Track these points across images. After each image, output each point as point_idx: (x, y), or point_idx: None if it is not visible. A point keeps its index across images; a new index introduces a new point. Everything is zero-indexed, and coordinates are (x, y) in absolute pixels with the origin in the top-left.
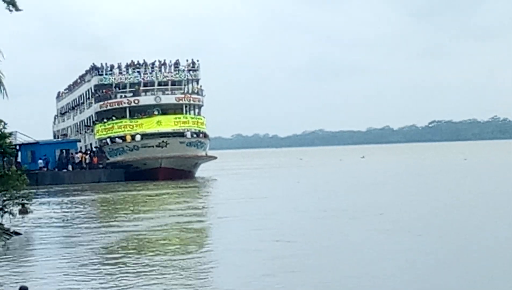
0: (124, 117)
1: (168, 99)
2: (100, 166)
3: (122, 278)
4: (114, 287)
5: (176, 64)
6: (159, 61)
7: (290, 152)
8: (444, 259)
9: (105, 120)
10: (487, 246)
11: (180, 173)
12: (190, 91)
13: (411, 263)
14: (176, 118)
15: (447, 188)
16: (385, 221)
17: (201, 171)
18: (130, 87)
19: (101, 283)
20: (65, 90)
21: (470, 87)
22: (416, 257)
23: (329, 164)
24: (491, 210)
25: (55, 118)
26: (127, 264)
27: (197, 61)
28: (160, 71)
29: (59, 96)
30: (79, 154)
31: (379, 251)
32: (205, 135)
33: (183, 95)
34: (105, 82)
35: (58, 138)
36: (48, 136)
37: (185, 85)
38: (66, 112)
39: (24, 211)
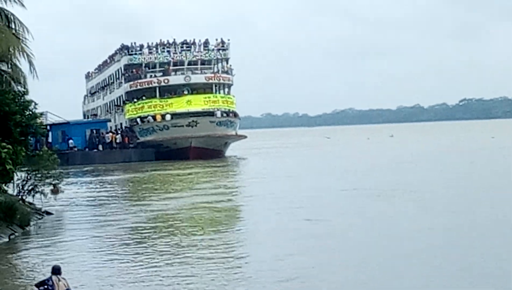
0: (154, 96)
1: (198, 78)
2: (131, 145)
3: (152, 257)
4: (144, 267)
5: (206, 43)
6: (189, 41)
7: (320, 131)
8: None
9: (135, 100)
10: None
11: (210, 152)
12: (219, 71)
13: (445, 241)
14: (206, 97)
15: (472, 167)
16: (415, 199)
17: (231, 150)
18: (159, 67)
19: (131, 263)
20: (94, 70)
21: (501, 66)
22: (450, 234)
23: (357, 143)
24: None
25: (84, 98)
26: (157, 244)
27: (227, 40)
28: (189, 50)
29: (88, 76)
30: (110, 134)
31: (410, 230)
32: (235, 114)
33: (212, 75)
34: (135, 62)
35: (88, 118)
36: (78, 116)
37: (214, 64)
38: (95, 92)
39: (55, 191)
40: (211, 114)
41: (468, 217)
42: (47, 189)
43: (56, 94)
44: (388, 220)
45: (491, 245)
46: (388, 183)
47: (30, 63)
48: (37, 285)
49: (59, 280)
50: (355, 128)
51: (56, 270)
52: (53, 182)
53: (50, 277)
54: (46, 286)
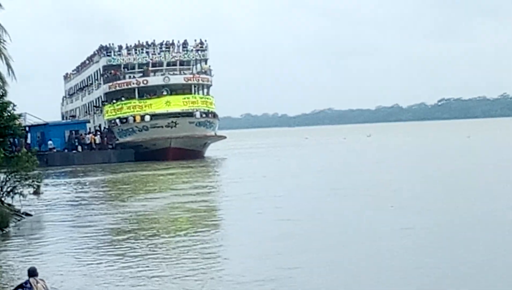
0: (133, 97)
1: (177, 79)
2: (110, 146)
3: (131, 259)
4: (124, 269)
5: (184, 44)
6: (167, 42)
7: (299, 131)
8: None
9: (114, 101)
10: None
11: (190, 153)
12: (198, 71)
13: (421, 240)
14: (185, 98)
15: (443, 165)
16: (388, 197)
17: (210, 151)
18: (138, 68)
19: (110, 264)
20: (73, 71)
21: (480, 65)
22: (424, 233)
23: (334, 143)
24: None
25: (63, 99)
26: (137, 245)
27: (205, 41)
28: (168, 51)
29: (67, 77)
30: (90, 135)
31: (389, 229)
32: (214, 115)
33: (191, 75)
34: (114, 63)
35: (66, 119)
36: (57, 118)
37: (193, 65)
38: (74, 93)
39: (37, 192)
40: (190, 114)
41: (439, 215)
42: (26, 191)
43: (35, 95)
44: (365, 219)
45: (471, 241)
46: (361, 183)
47: (8, 65)
48: (15, 289)
49: (37, 282)
50: (334, 128)
51: (32, 272)
52: (36, 184)
53: (28, 280)
54: (24, 289)
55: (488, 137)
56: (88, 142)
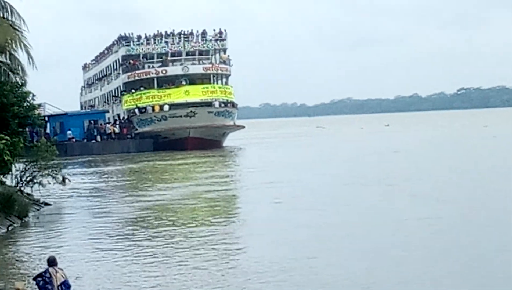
0: (152, 87)
1: (196, 69)
2: (129, 136)
3: (149, 249)
4: (142, 258)
5: (203, 34)
6: (186, 31)
7: (317, 121)
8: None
9: (133, 91)
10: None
11: (208, 142)
12: (217, 61)
13: (441, 231)
14: (204, 88)
15: (459, 156)
16: (406, 189)
17: (229, 141)
18: (157, 58)
19: (128, 254)
20: (91, 61)
21: (499, 54)
22: (446, 224)
23: (351, 133)
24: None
25: (82, 89)
26: (155, 235)
27: (224, 30)
28: (187, 41)
29: (85, 67)
30: (109, 125)
31: (406, 219)
32: (233, 105)
33: (210, 65)
34: (133, 53)
35: (85, 109)
36: (76, 107)
37: (212, 55)
38: (93, 83)
39: (64, 182)
40: (209, 104)
41: (456, 207)
42: (46, 181)
43: (54, 85)
44: (382, 210)
45: (491, 236)
46: (378, 172)
47: (28, 54)
48: (35, 278)
49: (56, 271)
50: (353, 118)
51: (51, 262)
52: (55, 174)
53: (47, 269)
54: (43, 278)
55: (505, 127)
56: (108, 132)
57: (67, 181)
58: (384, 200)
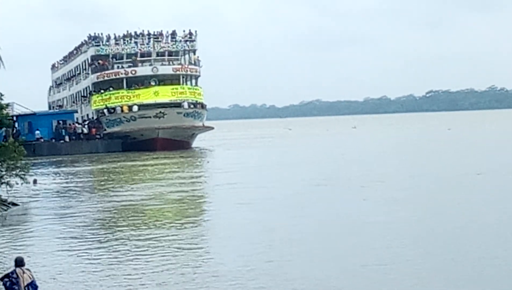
0: (121, 87)
1: (165, 69)
2: (97, 136)
3: (117, 249)
4: (109, 258)
5: (173, 34)
6: (156, 32)
7: (286, 123)
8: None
9: (102, 91)
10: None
11: (177, 143)
12: (187, 62)
13: (401, 230)
14: (173, 88)
15: (418, 157)
16: (377, 190)
17: (198, 142)
18: (127, 58)
19: (96, 254)
20: (60, 61)
21: (468, 57)
22: (402, 224)
23: (317, 134)
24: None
25: (50, 89)
26: (123, 235)
27: (195, 31)
28: (157, 41)
29: (54, 67)
30: (80, 126)
31: (374, 221)
32: (202, 106)
33: (180, 66)
34: (102, 53)
35: (53, 109)
36: (44, 107)
37: (182, 56)
38: (61, 83)
39: (35, 184)
40: (178, 105)
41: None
42: (13, 181)
43: (22, 85)
44: (350, 209)
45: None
46: (343, 174)
47: None
48: (1, 279)
49: (23, 272)
50: (321, 120)
51: (19, 262)
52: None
53: (14, 270)
54: (10, 279)
55: (467, 130)
56: (79, 132)
57: (37, 182)
58: (348, 201)
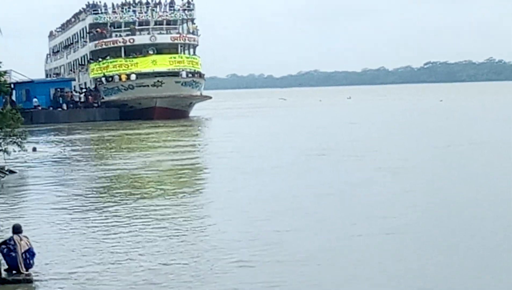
0: (119, 56)
1: (163, 38)
2: (95, 105)
3: (115, 219)
4: (106, 228)
5: (171, 3)
6: (154, 1)
7: (282, 93)
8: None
9: (100, 59)
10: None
11: (175, 112)
12: (185, 31)
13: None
14: (171, 57)
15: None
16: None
17: (195, 111)
18: (125, 26)
19: (93, 223)
20: (58, 29)
21: (466, 29)
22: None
23: (310, 105)
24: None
25: (47, 57)
26: (120, 204)
27: (192, 0)
28: (155, 10)
29: (51, 35)
30: (78, 94)
31: (378, 193)
32: (200, 75)
33: (178, 35)
34: (100, 21)
35: (50, 76)
36: (41, 75)
37: (180, 25)
38: (59, 51)
39: (34, 151)
40: (176, 74)
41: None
42: (11, 148)
43: (20, 52)
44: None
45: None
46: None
47: None
48: None
49: (20, 239)
50: (318, 90)
51: (16, 229)
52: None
53: (12, 237)
54: (8, 246)
55: (459, 102)
56: (77, 100)
57: (36, 150)
58: (346, 171)
